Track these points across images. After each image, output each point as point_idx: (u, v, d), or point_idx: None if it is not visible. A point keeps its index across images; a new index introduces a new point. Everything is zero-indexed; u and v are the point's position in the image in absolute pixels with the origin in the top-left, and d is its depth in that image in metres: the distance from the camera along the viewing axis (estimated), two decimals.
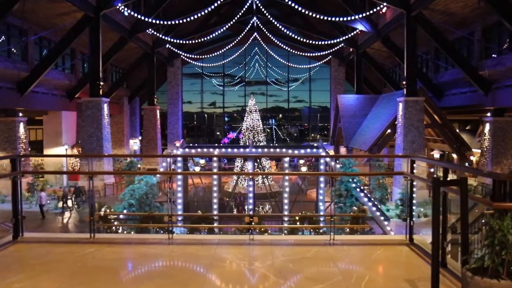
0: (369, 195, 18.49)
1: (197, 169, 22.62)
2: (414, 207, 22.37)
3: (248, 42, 41.78)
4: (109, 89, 37.53)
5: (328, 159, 17.02)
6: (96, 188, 25.65)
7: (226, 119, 50.87)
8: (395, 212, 21.36)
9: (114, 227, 8.76)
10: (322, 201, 17.04)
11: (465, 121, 39.45)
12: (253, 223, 5.63)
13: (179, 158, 17.22)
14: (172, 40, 36.13)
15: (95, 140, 26.04)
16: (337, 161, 18.92)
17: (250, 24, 38.03)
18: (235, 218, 20.06)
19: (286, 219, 10.94)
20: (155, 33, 34.57)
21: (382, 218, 16.47)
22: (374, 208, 16.10)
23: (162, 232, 8.58)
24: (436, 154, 24.08)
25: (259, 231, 8.27)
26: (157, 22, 30.33)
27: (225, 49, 41.81)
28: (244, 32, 38.49)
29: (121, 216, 15.82)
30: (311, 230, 8.99)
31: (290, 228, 8.91)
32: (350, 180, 15.04)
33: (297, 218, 8.67)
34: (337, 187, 15.50)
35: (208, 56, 43.25)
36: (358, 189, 16.20)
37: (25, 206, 23.47)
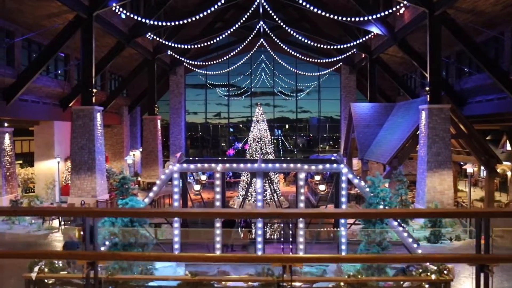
0: None
1: (198, 187, 20.27)
2: (440, 228, 19.89)
3: (254, 49, 39.55)
4: (107, 98, 35.44)
5: (350, 175, 14.57)
6: (87, 205, 23.27)
7: (231, 129, 48.71)
8: (422, 234, 18.80)
9: None
10: (344, 225, 14.56)
11: (484, 131, 36.82)
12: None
13: (175, 175, 14.81)
14: (174, 45, 33.97)
15: (87, 153, 23.71)
16: (359, 178, 16.52)
17: (256, 29, 35.86)
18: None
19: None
20: (156, 38, 32.44)
21: (410, 240, 14.01)
22: (405, 234, 13.65)
23: None
24: (469, 169, 21.55)
25: None
26: (157, 23, 28.24)
27: (229, 56, 39.65)
28: (250, 38, 36.30)
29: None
30: None
31: None
32: (380, 201, 12.61)
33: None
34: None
35: (212, 63, 41.10)
36: None
37: (5, 226, 21.15)
